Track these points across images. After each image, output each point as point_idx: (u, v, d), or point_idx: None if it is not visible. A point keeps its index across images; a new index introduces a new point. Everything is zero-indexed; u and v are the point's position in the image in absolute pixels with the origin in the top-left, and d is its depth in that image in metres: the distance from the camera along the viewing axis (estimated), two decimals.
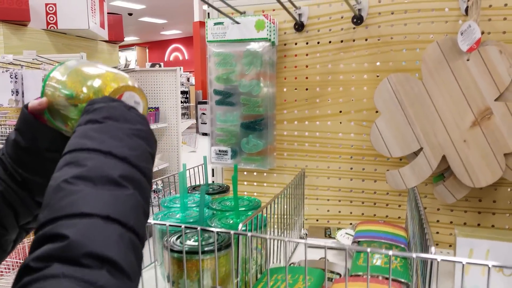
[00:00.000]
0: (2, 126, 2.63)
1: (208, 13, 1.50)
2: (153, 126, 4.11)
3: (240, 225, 0.81)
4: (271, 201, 1.00)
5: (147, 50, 16.67)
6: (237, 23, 1.34)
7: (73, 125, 0.67)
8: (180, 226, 0.83)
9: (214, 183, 1.37)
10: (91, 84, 0.66)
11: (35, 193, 0.75)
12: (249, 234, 0.77)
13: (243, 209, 1.08)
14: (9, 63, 2.68)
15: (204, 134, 10.78)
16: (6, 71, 2.67)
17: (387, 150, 1.14)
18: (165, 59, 18.39)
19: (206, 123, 10.91)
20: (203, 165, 1.42)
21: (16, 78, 2.69)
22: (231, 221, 1.00)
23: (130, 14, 13.26)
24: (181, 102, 4.54)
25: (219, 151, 1.44)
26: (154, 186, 4.40)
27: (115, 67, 4.09)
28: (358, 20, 1.30)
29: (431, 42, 1.19)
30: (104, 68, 0.70)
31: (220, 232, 0.83)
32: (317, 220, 1.46)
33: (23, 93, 2.73)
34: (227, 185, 1.33)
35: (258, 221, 0.92)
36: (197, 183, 1.50)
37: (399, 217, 1.36)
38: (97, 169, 0.51)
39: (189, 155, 5.65)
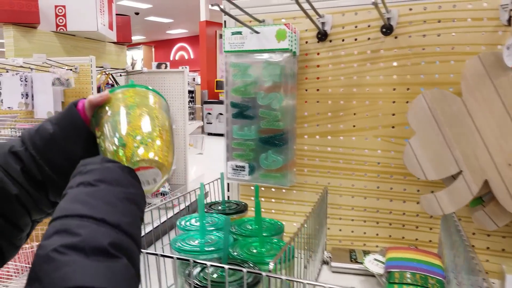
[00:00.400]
0: (12, 129, 2.56)
1: (225, 21, 1.42)
2: None
3: (271, 265, 0.73)
4: (299, 230, 0.92)
5: (153, 49, 16.62)
6: (257, 32, 1.25)
7: (101, 148, 0.66)
8: (206, 264, 0.75)
9: (230, 201, 1.29)
10: (132, 145, 0.64)
11: (52, 193, 0.71)
12: (284, 277, 0.69)
13: (266, 234, 1.01)
14: (19, 66, 2.61)
15: (210, 134, 10.72)
16: (16, 74, 2.61)
17: (422, 172, 1.05)
18: (171, 58, 18.33)
19: (211, 123, 10.85)
20: (218, 180, 1.35)
21: (26, 81, 2.63)
22: (255, 250, 0.92)
23: (137, 14, 13.20)
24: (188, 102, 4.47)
25: (236, 166, 1.36)
26: (161, 189, 4.33)
27: (123, 69, 4.02)
28: (387, 29, 1.21)
29: (467, 54, 1.11)
30: (165, 127, 0.69)
31: (251, 272, 0.75)
32: (340, 241, 1.38)
33: (32, 96, 2.66)
34: (245, 203, 1.25)
35: (287, 254, 0.84)
36: (212, 198, 1.42)
37: (430, 241, 1.28)
38: (90, 239, 0.48)
39: (196, 157, 5.56)
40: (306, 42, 1.33)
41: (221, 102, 11.09)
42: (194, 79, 12.11)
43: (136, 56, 15.12)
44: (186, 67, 4.36)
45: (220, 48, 12.18)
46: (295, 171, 1.38)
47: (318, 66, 1.33)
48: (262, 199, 1.46)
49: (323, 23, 1.28)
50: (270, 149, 1.31)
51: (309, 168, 1.38)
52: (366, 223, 1.34)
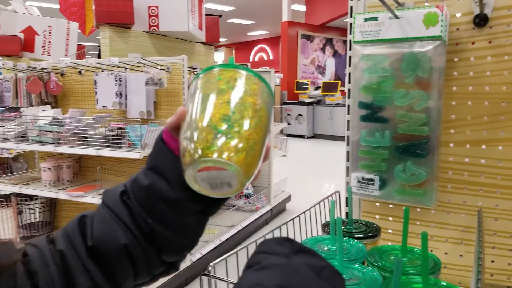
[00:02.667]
0: (107, 128, 2.57)
1: (351, 7, 1.21)
2: None
3: None
4: (481, 270, 0.69)
5: (233, 51, 16.83)
6: (397, 17, 1.04)
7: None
8: None
9: (357, 220, 1.08)
10: (205, 140, 0.49)
11: (164, 250, 0.57)
12: None
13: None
14: (115, 66, 2.62)
15: (288, 135, 10.55)
16: (111, 73, 2.61)
17: None
18: (250, 60, 18.47)
19: (291, 124, 10.68)
20: (337, 194, 1.15)
21: (121, 81, 2.63)
22: None
23: (220, 16, 13.43)
24: None
25: (363, 179, 1.15)
26: (245, 191, 4.23)
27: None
28: None
29: None
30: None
31: None
32: (492, 275, 1.11)
33: (126, 95, 2.66)
34: (376, 225, 1.04)
35: None
36: (324, 215, 1.23)
37: None
38: None
39: (280, 160, 5.42)
40: (457, 29, 1.08)
41: (301, 103, 10.90)
42: None
43: (217, 58, 15.41)
44: (272, 69, 4.22)
45: (302, 48, 11.99)
46: (436, 187, 1.13)
47: (472, 58, 1.07)
48: (390, 218, 1.23)
49: (484, 4, 1.03)
50: (409, 159, 1.08)
51: (455, 184, 1.13)
52: None
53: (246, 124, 0.50)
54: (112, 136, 2.50)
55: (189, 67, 3.66)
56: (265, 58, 18.32)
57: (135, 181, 0.57)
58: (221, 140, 0.48)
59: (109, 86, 2.63)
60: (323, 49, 13.15)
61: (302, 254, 0.49)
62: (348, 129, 1.25)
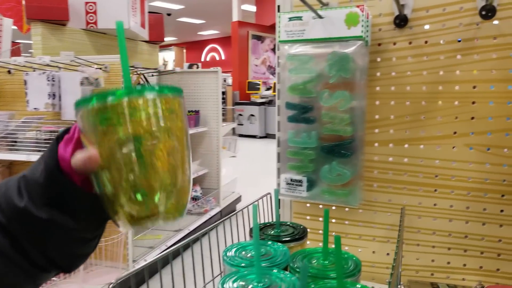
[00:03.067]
0: (37, 131, 2.43)
1: (279, 6, 1.20)
2: (193, 130, 3.86)
3: None
4: (396, 269, 0.68)
5: (184, 50, 16.61)
6: (321, 17, 1.03)
7: None
8: None
9: (285, 223, 1.07)
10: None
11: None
12: None
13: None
14: (46, 65, 2.48)
15: (241, 135, 10.55)
16: (43, 73, 2.47)
17: None
18: (202, 60, 18.31)
19: (243, 125, 10.69)
20: (268, 196, 1.14)
21: (53, 81, 2.49)
22: None
23: (169, 15, 13.20)
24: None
25: (291, 180, 1.14)
26: (193, 193, 4.17)
27: (155, 69, 3.87)
28: (488, 12, 0.96)
29: None
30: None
31: None
32: (417, 272, 1.13)
33: (60, 96, 2.53)
34: (303, 227, 1.03)
35: None
36: (260, 218, 1.21)
37: None
38: None
39: (229, 160, 5.38)
40: (380, 30, 1.09)
41: (252, 103, 10.92)
42: (225, 80, 12.01)
43: (167, 58, 15.14)
44: (219, 68, 4.18)
45: (253, 48, 12.02)
46: (362, 186, 1.14)
47: (394, 59, 1.09)
48: (320, 218, 1.23)
49: (402, 6, 1.04)
50: (335, 159, 1.08)
51: (380, 183, 1.14)
52: (451, 251, 1.09)
53: (178, 178, 0.49)
54: (45, 139, 2.37)
55: (130, 66, 3.55)
56: (217, 58, 18.22)
57: (17, 210, 0.50)
58: (157, 202, 0.48)
59: (41, 86, 2.48)
60: (274, 50, 13.25)
61: None
62: (278, 130, 1.24)
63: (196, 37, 18.13)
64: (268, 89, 11.65)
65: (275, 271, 0.78)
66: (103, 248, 2.62)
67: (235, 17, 11.67)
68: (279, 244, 0.92)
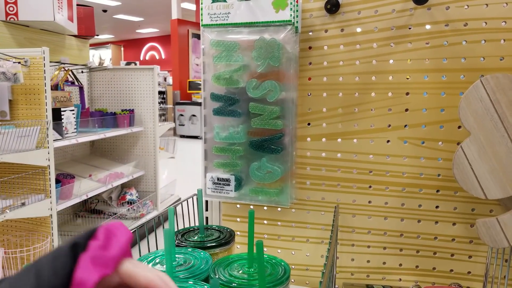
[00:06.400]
0: None
1: None
2: (127, 131, 3.65)
3: None
4: (329, 274, 0.60)
5: (122, 48, 16.02)
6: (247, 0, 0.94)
7: None
8: None
9: (210, 226, 0.97)
10: None
11: None
12: None
13: (269, 284, 0.69)
14: None
15: (182, 136, 10.32)
16: None
17: (481, 189, 0.76)
18: (141, 58, 17.75)
19: (184, 125, 10.45)
20: (195, 197, 1.03)
21: None
22: None
23: (105, 11, 12.64)
24: (158, 103, 4.11)
25: (218, 179, 1.03)
26: (128, 197, 3.96)
27: (85, 65, 3.62)
28: None
29: None
30: None
31: None
32: (352, 274, 1.07)
33: None
34: (230, 231, 0.93)
35: None
36: (187, 221, 1.10)
37: (469, 273, 0.99)
38: None
39: (167, 162, 5.19)
40: (311, 16, 1.02)
41: (194, 103, 10.71)
42: (165, 79, 11.70)
43: (104, 56, 14.52)
44: (155, 66, 4.00)
45: (193, 47, 11.81)
46: (294, 184, 1.06)
47: (325, 47, 1.02)
48: None
49: None
50: (265, 156, 0.99)
51: (313, 180, 1.06)
52: (387, 251, 1.04)
53: None
54: None
55: (56, 62, 3.28)
56: (157, 57, 17.74)
57: None
58: None
59: None
60: None
61: None
62: (205, 125, 1.13)
63: (134, 35, 17.54)
64: None
65: (190, 282, 0.68)
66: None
67: (175, 15, 11.38)
68: (201, 251, 0.82)
